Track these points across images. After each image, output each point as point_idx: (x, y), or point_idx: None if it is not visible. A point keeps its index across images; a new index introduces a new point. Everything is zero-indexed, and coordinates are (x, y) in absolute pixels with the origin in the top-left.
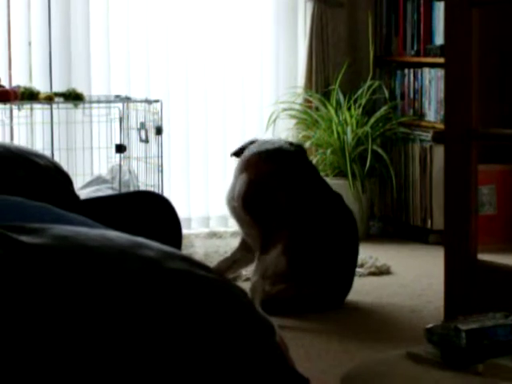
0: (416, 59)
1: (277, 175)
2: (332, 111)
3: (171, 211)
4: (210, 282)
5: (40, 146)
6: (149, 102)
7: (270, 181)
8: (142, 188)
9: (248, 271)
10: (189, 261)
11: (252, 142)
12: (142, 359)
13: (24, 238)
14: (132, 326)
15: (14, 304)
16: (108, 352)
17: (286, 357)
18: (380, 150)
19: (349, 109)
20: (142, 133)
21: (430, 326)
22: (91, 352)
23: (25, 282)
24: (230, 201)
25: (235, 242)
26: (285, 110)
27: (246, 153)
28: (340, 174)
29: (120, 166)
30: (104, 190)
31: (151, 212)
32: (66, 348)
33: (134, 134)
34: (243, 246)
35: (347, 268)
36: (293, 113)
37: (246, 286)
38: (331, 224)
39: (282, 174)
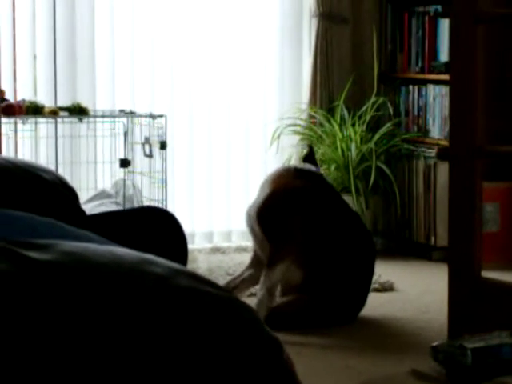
0: (421, 76)
1: (302, 192)
2: (336, 127)
3: (178, 227)
4: (218, 299)
5: (44, 159)
6: (153, 116)
7: (292, 196)
8: (146, 203)
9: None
10: (196, 278)
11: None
12: (150, 376)
13: (32, 254)
14: (140, 344)
15: (22, 320)
16: (115, 370)
17: (294, 374)
18: (384, 167)
19: (353, 125)
20: (147, 147)
21: (435, 343)
22: (100, 368)
23: (33, 299)
24: (249, 209)
25: (239, 258)
26: (289, 125)
27: (279, 167)
28: (344, 190)
29: (124, 180)
30: (108, 205)
31: (158, 228)
32: (74, 365)
33: (138, 149)
34: (254, 261)
35: (361, 285)
36: (297, 129)
37: (249, 301)
38: (347, 241)
39: (308, 192)
